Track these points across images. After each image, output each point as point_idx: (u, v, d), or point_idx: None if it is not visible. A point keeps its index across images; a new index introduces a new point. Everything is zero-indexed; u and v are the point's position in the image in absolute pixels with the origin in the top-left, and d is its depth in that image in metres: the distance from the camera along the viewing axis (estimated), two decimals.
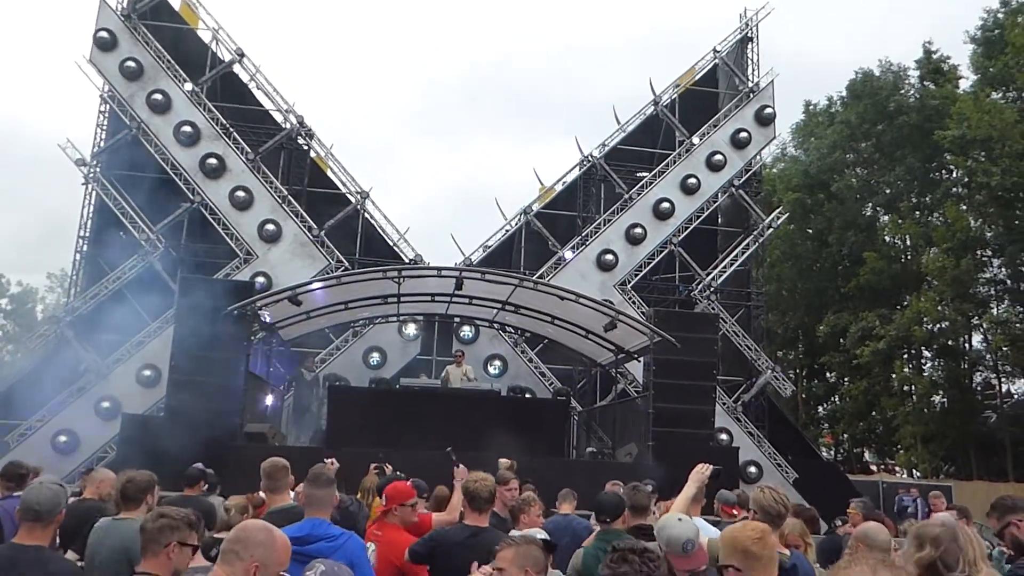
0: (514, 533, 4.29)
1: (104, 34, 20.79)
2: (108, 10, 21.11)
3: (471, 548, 4.10)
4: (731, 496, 6.43)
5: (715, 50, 24.53)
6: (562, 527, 5.93)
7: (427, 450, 11.55)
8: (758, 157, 24.41)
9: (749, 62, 24.61)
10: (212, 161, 20.58)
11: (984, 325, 30.95)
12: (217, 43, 22.26)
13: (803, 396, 39.82)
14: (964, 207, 31.39)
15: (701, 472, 4.79)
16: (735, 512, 6.21)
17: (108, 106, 21.52)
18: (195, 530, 3.44)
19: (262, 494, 5.83)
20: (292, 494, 5.62)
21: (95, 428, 18.58)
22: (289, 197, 21.07)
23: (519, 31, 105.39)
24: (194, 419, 12.68)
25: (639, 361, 16.83)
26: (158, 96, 20.69)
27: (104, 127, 21.70)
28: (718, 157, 22.90)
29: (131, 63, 20.75)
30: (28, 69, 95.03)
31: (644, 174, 23.65)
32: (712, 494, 6.20)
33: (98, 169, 21.06)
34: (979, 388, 33.45)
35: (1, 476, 6.37)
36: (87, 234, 21.50)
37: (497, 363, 20.84)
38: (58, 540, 4.44)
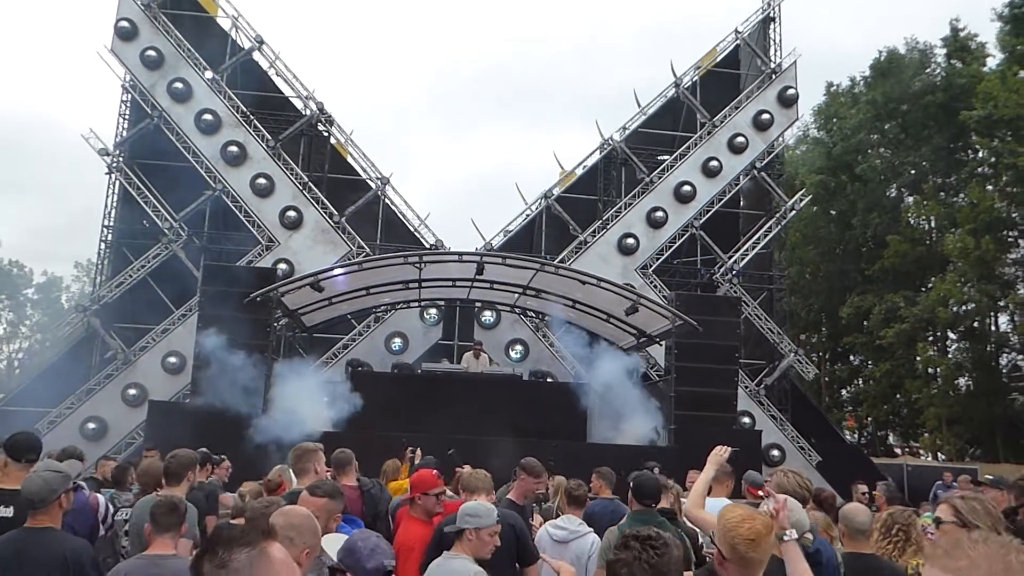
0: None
1: (125, 24, 20.91)
2: (129, 0, 21.21)
3: None
4: (759, 478, 6.42)
5: (737, 31, 24.19)
6: (610, 511, 5.98)
7: (449, 434, 11.63)
8: (780, 139, 24.08)
9: (771, 43, 24.26)
10: (233, 149, 20.70)
11: (1010, 306, 30.52)
12: (237, 31, 22.32)
13: (826, 379, 39.55)
14: (990, 187, 30.89)
15: (719, 455, 4.80)
16: (761, 494, 6.20)
17: (130, 95, 21.65)
18: None
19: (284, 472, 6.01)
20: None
21: (123, 415, 18.94)
22: (310, 184, 21.16)
23: (537, 17, 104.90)
24: (219, 405, 12.86)
25: (661, 345, 16.79)
26: (179, 85, 20.81)
27: (126, 116, 21.85)
28: (740, 139, 22.68)
29: (152, 52, 20.87)
30: (50, 60, 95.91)
31: (665, 157, 23.47)
32: (739, 475, 6.20)
33: (121, 158, 21.24)
34: (1005, 370, 33.02)
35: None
36: (111, 223, 21.72)
37: (518, 347, 20.84)
38: None
